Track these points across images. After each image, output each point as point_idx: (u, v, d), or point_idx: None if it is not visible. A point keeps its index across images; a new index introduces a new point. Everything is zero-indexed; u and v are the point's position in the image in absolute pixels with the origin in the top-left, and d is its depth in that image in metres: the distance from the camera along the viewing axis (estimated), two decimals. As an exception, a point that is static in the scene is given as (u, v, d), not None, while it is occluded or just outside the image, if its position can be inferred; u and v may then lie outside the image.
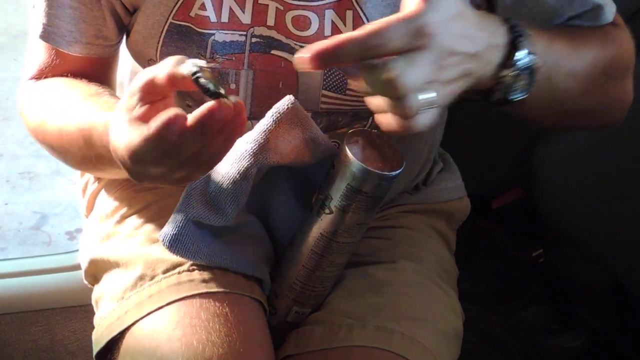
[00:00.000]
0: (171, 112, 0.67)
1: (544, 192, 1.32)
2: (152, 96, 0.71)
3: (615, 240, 1.25)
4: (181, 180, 0.73)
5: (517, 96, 0.75)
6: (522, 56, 0.73)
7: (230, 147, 0.72)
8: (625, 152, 1.20)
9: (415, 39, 0.63)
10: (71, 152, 0.92)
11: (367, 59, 0.64)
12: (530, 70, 0.74)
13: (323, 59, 0.63)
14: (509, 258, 1.49)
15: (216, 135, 0.69)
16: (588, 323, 1.44)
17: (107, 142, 0.77)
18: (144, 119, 0.70)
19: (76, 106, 0.89)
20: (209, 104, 0.67)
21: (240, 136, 0.82)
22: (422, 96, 0.65)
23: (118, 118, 0.73)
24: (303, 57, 0.63)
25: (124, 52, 1.00)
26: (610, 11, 0.90)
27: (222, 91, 0.68)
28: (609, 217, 1.24)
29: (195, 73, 0.68)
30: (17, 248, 2.22)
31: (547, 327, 1.45)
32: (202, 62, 0.69)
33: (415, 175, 1.08)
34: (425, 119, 0.66)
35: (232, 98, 0.68)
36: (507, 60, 0.73)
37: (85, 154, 0.88)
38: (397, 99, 0.64)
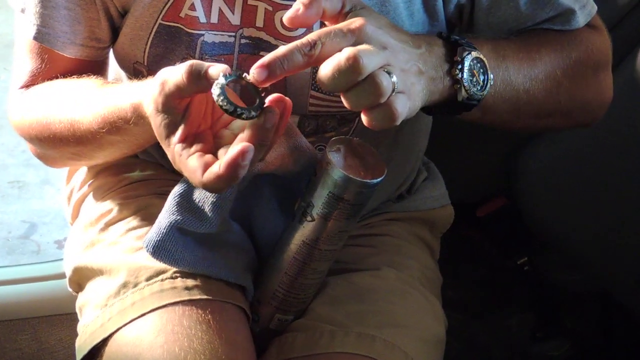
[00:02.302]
0: (236, 149, 0.69)
1: (528, 200, 1.32)
2: (181, 99, 0.73)
3: (600, 248, 1.26)
4: None
5: (479, 94, 0.79)
6: (465, 54, 0.78)
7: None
8: (609, 159, 1.21)
9: (348, 33, 0.70)
10: (88, 141, 0.90)
11: (309, 63, 0.69)
12: (481, 66, 0.79)
13: (272, 70, 0.68)
14: (494, 266, 1.50)
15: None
16: (573, 330, 1.45)
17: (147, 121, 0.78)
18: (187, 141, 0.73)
19: (90, 97, 0.88)
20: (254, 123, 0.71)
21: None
22: (386, 77, 0.69)
23: (164, 132, 0.74)
24: (256, 71, 0.68)
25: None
26: (583, 15, 0.92)
27: (256, 113, 0.70)
28: (594, 224, 1.25)
29: (232, 112, 0.69)
30: (6, 257, 2.21)
31: (532, 334, 1.45)
32: (221, 80, 0.70)
33: (400, 184, 1.09)
34: (399, 104, 0.70)
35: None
36: (454, 58, 0.77)
37: (109, 138, 0.87)
38: (369, 82, 0.68)
